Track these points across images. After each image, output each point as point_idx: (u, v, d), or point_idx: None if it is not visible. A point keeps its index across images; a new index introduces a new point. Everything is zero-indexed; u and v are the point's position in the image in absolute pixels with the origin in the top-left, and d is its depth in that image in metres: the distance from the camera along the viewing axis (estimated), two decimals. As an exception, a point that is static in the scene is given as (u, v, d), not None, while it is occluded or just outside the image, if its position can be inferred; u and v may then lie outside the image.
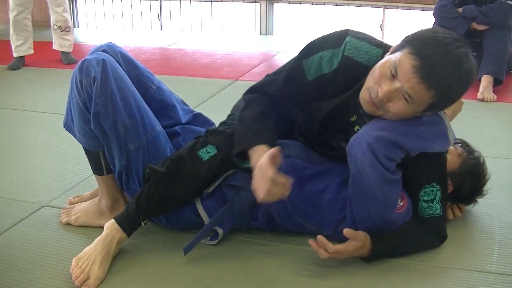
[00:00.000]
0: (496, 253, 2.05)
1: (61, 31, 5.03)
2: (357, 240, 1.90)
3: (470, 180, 2.19)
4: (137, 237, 2.08)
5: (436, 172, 1.99)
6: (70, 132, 2.15)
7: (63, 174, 2.66)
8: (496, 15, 4.19)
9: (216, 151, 2.03)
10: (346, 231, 1.90)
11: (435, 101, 1.76)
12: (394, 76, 1.76)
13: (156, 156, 2.03)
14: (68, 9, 5.07)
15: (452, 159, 2.16)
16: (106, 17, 7.17)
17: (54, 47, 5.15)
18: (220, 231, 2.06)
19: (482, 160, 2.23)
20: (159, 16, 6.95)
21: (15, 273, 1.91)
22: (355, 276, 1.91)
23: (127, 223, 1.96)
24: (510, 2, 4.18)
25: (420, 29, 1.83)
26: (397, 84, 1.75)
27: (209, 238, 2.07)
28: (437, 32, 1.78)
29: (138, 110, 1.99)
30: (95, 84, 1.92)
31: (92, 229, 2.16)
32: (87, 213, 2.19)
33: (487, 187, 2.25)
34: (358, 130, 1.96)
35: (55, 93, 4.10)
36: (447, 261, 2.01)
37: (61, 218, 2.22)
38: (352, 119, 2.02)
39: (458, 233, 2.17)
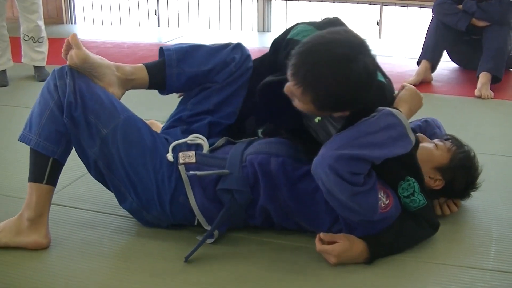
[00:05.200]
0: (493, 250, 2.05)
1: (34, 42, 4.31)
2: (340, 240, 1.91)
3: (462, 174, 2.18)
4: (133, 238, 2.10)
5: (406, 166, 1.98)
6: (25, 142, 2.05)
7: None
8: (495, 11, 4.19)
9: None
10: (323, 236, 1.93)
11: (314, 99, 1.79)
12: None
13: (134, 136, 2.04)
14: (42, 16, 4.33)
15: (442, 154, 2.16)
16: (104, 13, 7.16)
17: (24, 60, 4.41)
18: (215, 232, 2.05)
19: (472, 153, 2.23)
20: (157, 12, 6.94)
21: None
22: (351, 273, 1.90)
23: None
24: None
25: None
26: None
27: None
28: (334, 32, 1.82)
29: (106, 96, 2.04)
30: (67, 80, 1.99)
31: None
32: (4, 231, 2.03)
33: (480, 180, 2.24)
34: (318, 121, 1.99)
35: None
36: (444, 258, 2.01)
37: None
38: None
39: (455, 230, 2.17)
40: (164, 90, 2.23)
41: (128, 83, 2.16)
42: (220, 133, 2.25)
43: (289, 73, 1.79)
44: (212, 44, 2.30)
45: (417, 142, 1.99)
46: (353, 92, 1.78)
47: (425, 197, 2.00)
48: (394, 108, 1.93)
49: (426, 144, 2.19)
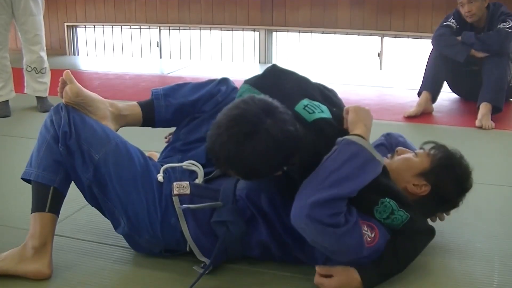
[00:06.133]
0: (495, 282, 2.04)
1: (36, 73, 4.38)
2: (336, 274, 1.89)
3: (445, 173, 2.10)
4: (134, 270, 2.09)
5: (375, 191, 1.93)
6: (27, 177, 2.09)
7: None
8: (494, 41, 4.21)
9: None
10: (319, 270, 1.91)
11: (239, 175, 1.89)
12: None
13: (125, 159, 2.05)
14: (45, 47, 4.41)
15: (422, 160, 2.11)
16: (106, 45, 7.22)
17: (27, 91, 4.48)
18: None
19: (455, 152, 2.15)
20: (159, 44, 7.00)
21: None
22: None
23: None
24: (507, 30, 4.20)
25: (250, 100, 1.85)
26: None
27: (201, 265, 2.05)
28: (236, 107, 1.83)
29: (99, 126, 2.08)
30: (62, 113, 2.05)
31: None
32: (6, 259, 2.03)
33: (472, 179, 2.15)
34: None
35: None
36: (447, 289, 1.99)
37: None
38: None
39: (456, 261, 2.16)
40: (154, 123, 2.30)
41: (122, 119, 2.23)
42: None
43: None
44: (198, 82, 2.36)
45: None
46: (268, 160, 1.81)
47: (407, 210, 1.94)
48: (351, 135, 1.90)
49: (406, 155, 2.16)
